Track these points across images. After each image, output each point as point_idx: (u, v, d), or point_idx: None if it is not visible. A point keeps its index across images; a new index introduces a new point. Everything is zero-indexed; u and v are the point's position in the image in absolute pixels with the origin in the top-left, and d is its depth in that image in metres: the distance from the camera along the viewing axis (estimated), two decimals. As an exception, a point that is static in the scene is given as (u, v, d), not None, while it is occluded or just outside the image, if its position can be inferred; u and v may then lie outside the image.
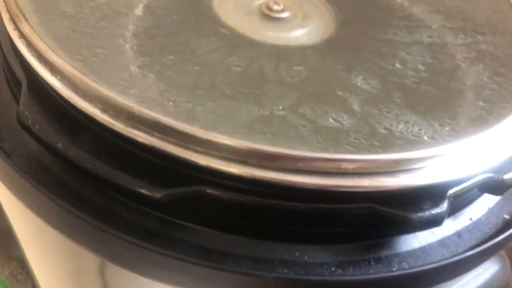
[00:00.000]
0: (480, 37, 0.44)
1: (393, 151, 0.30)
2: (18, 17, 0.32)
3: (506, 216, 0.37)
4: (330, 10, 0.46)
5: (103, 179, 0.30)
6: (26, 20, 0.32)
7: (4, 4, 0.33)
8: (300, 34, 0.43)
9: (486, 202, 0.37)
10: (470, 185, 0.33)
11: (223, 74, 0.36)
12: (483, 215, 0.36)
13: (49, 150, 0.31)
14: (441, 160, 0.31)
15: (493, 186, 0.34)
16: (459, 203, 0.35)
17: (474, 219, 0.36)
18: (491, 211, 0.37)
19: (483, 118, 0.34)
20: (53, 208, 0.31)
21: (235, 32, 0.41)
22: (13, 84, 0.36)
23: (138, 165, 0.30)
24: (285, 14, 0.44)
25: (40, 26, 0.33)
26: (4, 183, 0.33)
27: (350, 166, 0.29)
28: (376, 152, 0.30)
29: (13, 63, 0.34)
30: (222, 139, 0.28)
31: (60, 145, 0.30)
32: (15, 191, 0.33)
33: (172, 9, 0.41)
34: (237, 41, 0.40)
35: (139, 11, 0.40)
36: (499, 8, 0.47)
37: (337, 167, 0.28)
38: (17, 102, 0.35)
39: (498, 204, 0.37)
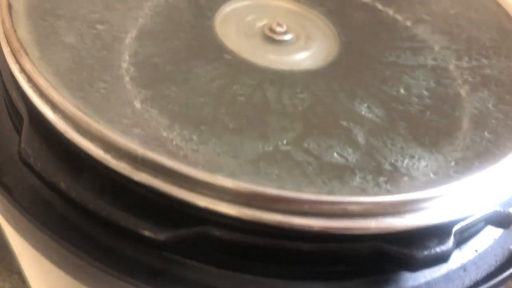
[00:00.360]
0: (484, 60, 0.43)
1: (399, 191, 0.30)
2: (19, 52, 0.31)
3: (512, 247, 0.37)
4: (333, 31, 0.46)
5: (106, 219, 0.29)
6: (27, 55, 0.31)
7: (4, 37, 0.33)
8: (303, 58, 0.43)
9: (492, 233, 0.37)
10: (476, 219, 0.33)
11: (226, 104, 0.35)
12: (489, 246, 0.36)
13: (51, 188, 0.31)
14: (447, 199, 0.30)
15: (500, 220, 0.33)
16: (465, 235, 0.34)
17: (480, 250, 0.36)
18: (496, 242, 0.37)
19: (489, 152, 0.34)
20: (54, 247, 0.30)
21: (237, 57, 0.41)
22: (14, 115, 0.35)
23: (141, 205, 0.29)
24: (288, 36, 0.44)
25: (41, 60, 0.32)
26: (5, 218, 0.33)
27: (356, 208, 0.28)
28: (382, 192, 0.30)
29: (14, 96, 0.34)
30: (226, 182, 0.27)
31: (62, 185, 0.30)
32: (16, 228, 0.32)
33: (173, 33, 0.41)
34: (240, 67, 0.40)
35: (140, 36, 0.39)
36: (504, 28, 0.46)
37: (343, 209, 0.28)
38: (18, 133, 0.34)
39: (504, 234, 0.37)
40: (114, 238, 0.31)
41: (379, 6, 0.49)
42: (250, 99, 0.37)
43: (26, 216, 0.31)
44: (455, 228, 0.31)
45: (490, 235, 0.37)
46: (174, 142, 0.30)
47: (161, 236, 0.28)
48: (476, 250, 0.36)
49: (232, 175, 0.29)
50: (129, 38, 0.38)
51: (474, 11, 0.48)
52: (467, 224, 0.32)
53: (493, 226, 0.35)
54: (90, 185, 0.30)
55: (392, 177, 0.31)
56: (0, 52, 0.35)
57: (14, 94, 0.34)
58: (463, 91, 0.40)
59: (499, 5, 0.47)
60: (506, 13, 0.46)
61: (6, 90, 0.35)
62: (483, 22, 0.47)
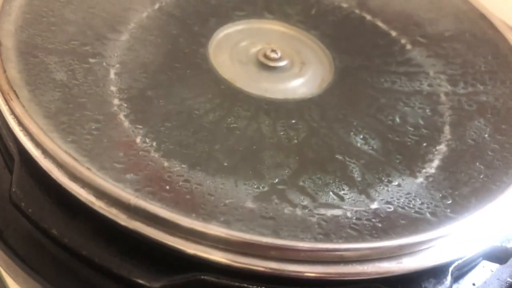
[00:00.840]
0: (480, 86, 0.43)
1: (396, 234, 0.29)
2: (9, 95, 0.31)
3: (510, 279, 0.36)
4: (328, 56, 0.46)
5: (99, 265, 0.29)
6: (17, 97, 0.31)
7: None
8: (298, 85, 0.43)
9: (489, 265, 0.36)
10: (474, 256, 0.32)
11: (221, 139, 0.35)
12: (487, 280, 0.36)
13: (43, 234, 0.30)
14: (444, 240, 0.30)
15: (497, 256, 0.33)
16: (462, 271, 0.34)
17: (478, 284, 0.35)
18: (494, 274, 0.36)
19: (486, 188, 0.34)
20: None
21: (232, 86, 0.40)
22: (5, 153, 0.34)
23: (135, 252, 0.29)
24: (282, 63, 0.44)
25: (31, 102, 0.32)
26: (-3, 262, 0.33)
27: (352, 255, 0.28)
28: (379, 236, 0.29)
29: (5, 135, 0.33)
30: (219, 232, 0.27)
31: (54, 231, 0.29)
32: (8, 272, 0.32)
33: (167, 64, 0.40)
34: (235, 98, 0.39)
35: (133, 68, 0.39)
36: (499, 52, 0.46)
37: (340, 256, 0.28)
38: (10, 172, 0.34)
39: (501, 266, 0.37)
40: (109, 284, 0.30)
41: (375, 28, 0.49)
42: (245, 133, 0.36)
43: (18, 262, 0.30)
44: (453, 266, 0.31)
45: (487, 268, 0.36)
46: (167, 187, 0.30)
47: (155, 284, 0.28)
48: (473, 284, 0.35)
49: (226, 222, 0.28)
50: (122, 71, 0.38)
51: (470, 34, 0.47)
52: (464, 261, 0.32)
53: (490, 261, 0.34)
54: (83, 231, 0.29)
55: (389, 219, 0.31)
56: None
57: (5, 133, 0.33)
58: (458, 120, 0.40)
59: (495, 28, 0.47)
60: (502, 36, 0.46)
61: (-3, 128, 0.34)
62: (479, 45, 0.47)
